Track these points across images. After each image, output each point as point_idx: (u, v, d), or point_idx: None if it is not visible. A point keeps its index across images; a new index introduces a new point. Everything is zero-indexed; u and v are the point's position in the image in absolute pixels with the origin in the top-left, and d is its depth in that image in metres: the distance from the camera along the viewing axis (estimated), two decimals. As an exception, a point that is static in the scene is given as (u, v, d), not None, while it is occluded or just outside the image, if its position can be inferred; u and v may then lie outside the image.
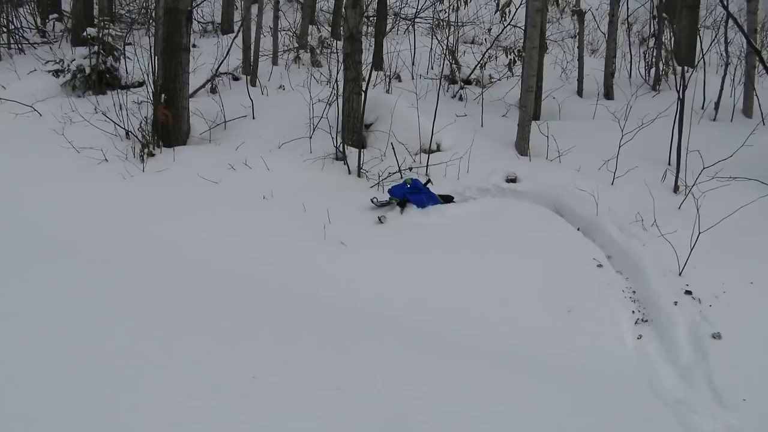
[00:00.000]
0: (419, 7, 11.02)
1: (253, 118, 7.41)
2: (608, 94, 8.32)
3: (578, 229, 5.40)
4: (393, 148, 6.40)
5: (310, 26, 10.99)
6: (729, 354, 3.88)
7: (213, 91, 8.20)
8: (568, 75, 9.01)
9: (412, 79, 8.69)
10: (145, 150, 6.58)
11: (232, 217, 5.51)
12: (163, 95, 6.75)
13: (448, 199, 5.85)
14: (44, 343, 3.51)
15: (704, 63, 7.52)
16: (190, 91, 7.29)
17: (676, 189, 5.72)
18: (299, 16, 11.61)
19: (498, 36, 10.17)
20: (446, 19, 10.60)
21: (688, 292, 4.45)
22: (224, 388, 3.23)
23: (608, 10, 8.79)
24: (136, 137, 6.72)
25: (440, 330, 4.13)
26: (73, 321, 3.77)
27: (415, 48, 9.52)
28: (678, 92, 5.99)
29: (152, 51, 7.18)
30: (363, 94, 6.59)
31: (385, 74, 8.63)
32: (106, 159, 6.52)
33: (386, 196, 5.72)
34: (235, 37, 9.39)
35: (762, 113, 7.43)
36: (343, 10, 7.54)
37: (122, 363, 3.36)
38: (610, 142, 6.15)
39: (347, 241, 5.07)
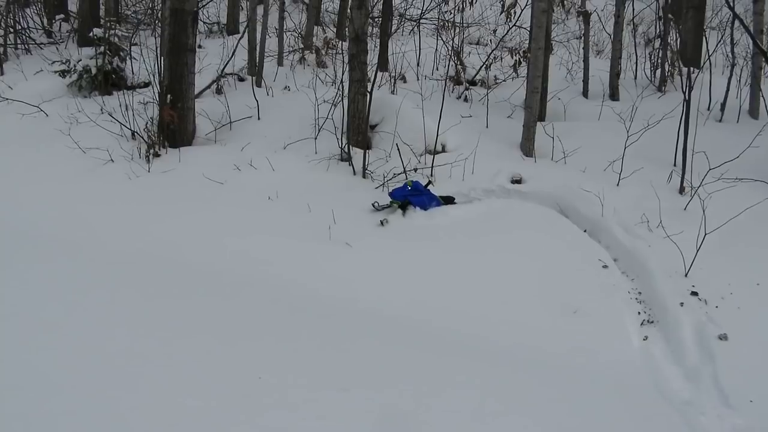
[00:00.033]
0: (424, 8, 11.01)
1: (259, 118, 7.42)
2: (614, 95, 8.29)
3: (585, 231, 5.39)
4: (398, 149, 6.40)
5: (316, 27, 11.00)
6: (735, 355, 3.86)
7: (218, 91, 8.20)
8: (574, 76, 8.99)
9: (417, 80, 8.69)
10: (151, 150, 6.59)
11: (235, 218, 5.51)
12: (168, 96, 6.76)
13: (449, 200, 5.84)
14: (44, 343, 3.50)
15: (710, 64, 7.49)
16: (196, 92, 7.29)
17: (681, 190, 5.70)
18: (304, 17, 11.62)
19: (503, 37, 10.14)
20: (451, 20, 10.60)
21: (695, 294, 4.44)
22: (224, 388, 3.22)
23: (614, 11, 8.77)
24: (142, 138, 6.74)
25: (441, 330, 4.13)
26: (73, 321, 3.77)
27: (420, 49, 9.51)
28: (684, 93, 5.97)
29: (158, 52, 7.20)
30: (368, 95, 6.59)
31: (390, 75, 8.63)
32: (112, 159, 6.54)
33: (387, 200, 5.71)
34: (240, 38, 9.39)
35: (769, 114, 7.41)
36: (349, 11, 7.56)
37: (122, 363, 3.35)
38: (615, 143, 6.14)
39: (351, 242, 5.08)
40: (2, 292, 4.08)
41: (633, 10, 9.96)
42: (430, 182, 5.92)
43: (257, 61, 8.80)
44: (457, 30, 9.81)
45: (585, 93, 8.44)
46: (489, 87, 8.39)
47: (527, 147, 6.67)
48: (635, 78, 8.95)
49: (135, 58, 8.59)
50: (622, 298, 4.54)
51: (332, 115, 7.05)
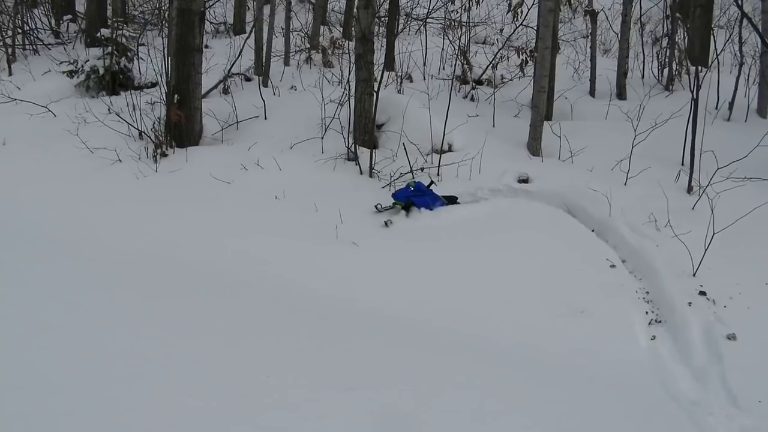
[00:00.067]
0: (431, 8, 11.00)
1: (265, 118, 7.42)
2: (621, 95, 8.26)
3: (592, 231, 5.37)
4: (405, 149, 6.39)
5: (322, 27, 10.99)
6: (744, 355, 3.85)
7: (225, 91, 8.22)
8: (581, 75, 8.96)
9: (424, 79, 8.67)
10: (158, 150, 6.61)
11: (239, 217, 5.52)
12: (176, 96, 6.77)
13: (452, 199, 5.82)
14: (44, 343, 3.49)
15: (718, 63, 7.46)
16: (203, 92, 7.31)
17: (689, 189, 5.68)
18: (311, 17, 11.62)
19: (510, 36, 10.12)
20: (458, 19, 10.58)
21: (702, 293, 4.42)
22: (224, 388, 3.20)
23: (621, 10, 8.73)
24: (149, 138, 6.75)
25: (441, 330, 4.13)
26: (73, 321, 3.76)
27: (426, 48, 9.51)
28: (692, 92, 5.94)
29: (165, 52, 7.21)
30: (375, 94, 6.59)
31: (396, 75, 8.63)
32: (119, 159, 6.56)
33: (390, 201, 5.69)
34: (247, 38, 9.39)
35: (776, 113, 7.37)
36: (355, 10, 7.56)
37: (122, 363, 3.34)
38: (622, 142, 6.12)
39: (358, 242, 5.08)
40: (2, 292, 4.07)
41: (640, 8, 9.92)
42: (432, 182, 5.90)
43: (264, 60, 8.80)
44: (464, 29, 9.80)
45: (592, 92, 8.41)
46: (496, 86, 8.37)
47: (534, 146, 6.66)
48: (642, 77, 8.92)
49: (142, 59, 8.62)
50: (630, 298, 4.53)
51: (339, 114, 7.05)
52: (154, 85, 8.17)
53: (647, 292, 4.60)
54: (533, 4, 8.60)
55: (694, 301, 4.34)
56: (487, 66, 8.83)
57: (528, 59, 8.68)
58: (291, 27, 10.01)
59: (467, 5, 9.79)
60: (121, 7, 11.21)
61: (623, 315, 4.33)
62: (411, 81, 8.71)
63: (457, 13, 10.69)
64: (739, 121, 7.28)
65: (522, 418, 3.26)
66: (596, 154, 6.35)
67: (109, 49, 8.42)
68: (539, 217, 5.57)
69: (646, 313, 4.40)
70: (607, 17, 10.48)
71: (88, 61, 8.48)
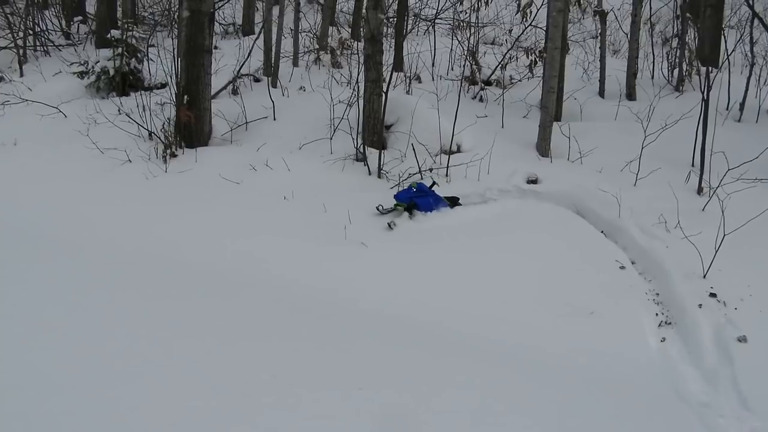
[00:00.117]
0: (439, 8, 11.00)
1: (274, 119, 7.44)
2: (630, 95, 8.22)
3: (602, 232, 5.36)
4: (413, 149, 6.38)
5: (331, 28, 11.01)
6: (755, 357, 3.81)
7: (234, 92, 8.24)
8: (590, 76, 8.93)
9: (433, 80, 8.67)
10: (168, 151, 6.63)
11: (245, 217, 5.52)
12: (185, 96, 6.79)
13: (454, 200, 5.79)
14: (44, 343, 3.50)
15: (729, 63, 7.40)
16: (212, 93, 7.34)
17: (700, 191, 5.64)
18: (320, 18, 11.65)
19: (519, 37, 10.10)
20: (467, 20, 10.57)
21: (713, 295, 4.39)
22: (224, 388, 3.21)
23: (630, 10, 8.69)
24: (159, 138, 6.78)
25: (441, 330, 4.12)
26: (73, 321, 3.77)
27: (435, 49, 9.51)
28: (702, 93, 5.90)
29: (175, 53, 7.24)
30: (384, 95, 6.59)
31: (405, 75, 8.62)
32: (129, 159, 6.59)
33: (392, 202, 5.67)
34: (256, 39, 9.43)
35: (788, 114, 7.32)
36: (364, 11, 7.56)
37: (122, 363, 3.35)
38: (632, 143, 6.10)
39: (366, 242, 5.09)
40: (2, 292, 4.09)
41: (650, 8, 9.88)
42: (434, 183, 5.88)
43: (273, 61, 8.82)
44: (473, 30, 9.78)
45: (601, 93, 8.37)
46: (504, 87, 8.36)
47: (543, 147, 6.64)
48: (652, 77, 8.88)
49: (152, 60, 8.65)
50: (640, 300, 4.50)
51: (347, 115, 7.06)
52: (163, 85, 8.20)
53: (657, 294, 4.57)
54: (542, 5, 8.59)
55: (705, 302, 4.31)
56: (496, 67, 8.81)
57: (537, 60, 8.66)
58: (300, 28, 10.03)
59: (476, 6, 9.77)
60: (131, 9, 11.27)
61: (633, 316, 4.30)
62: (420, 82, 8.71)
63: (466, 13, 10.69)
64: (750, 122, 7.23)
65: (522, 418, 3.25)
66: (606, 155, 6.32)
67: (120, 50, 8.47)
68: (548, 218, 5.55)
69: (656, 314, 4.37)
70: (616, 17, 10.45)
71: (98, 62, 8.54)
